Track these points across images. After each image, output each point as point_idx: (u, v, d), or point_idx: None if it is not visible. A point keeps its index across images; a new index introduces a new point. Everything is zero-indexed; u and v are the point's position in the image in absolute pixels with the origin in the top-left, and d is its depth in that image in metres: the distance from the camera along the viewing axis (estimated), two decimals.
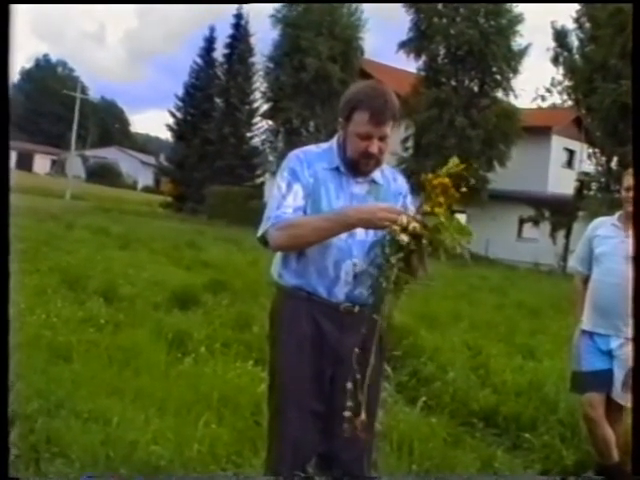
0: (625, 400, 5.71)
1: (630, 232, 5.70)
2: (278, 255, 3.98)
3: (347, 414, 3.55)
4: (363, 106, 3.73)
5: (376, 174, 3.94)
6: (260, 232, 3.83)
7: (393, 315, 3.76)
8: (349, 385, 3.57)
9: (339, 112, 3.90)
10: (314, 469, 3.86)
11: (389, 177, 4.04)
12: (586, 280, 6.26)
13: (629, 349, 5.54)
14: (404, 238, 3.39)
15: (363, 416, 3.51)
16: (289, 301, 3.90)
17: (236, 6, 63.16)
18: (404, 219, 3.41)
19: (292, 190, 3.81)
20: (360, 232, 3.73)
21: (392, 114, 3.76)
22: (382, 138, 3.76)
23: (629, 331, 5.50)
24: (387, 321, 3.59)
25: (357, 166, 3.84)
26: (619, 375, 5.84)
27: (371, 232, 3.72)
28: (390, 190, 4.00)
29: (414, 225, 3.40)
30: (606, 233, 6.12)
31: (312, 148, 4.04)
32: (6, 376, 3.28)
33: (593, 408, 5.95)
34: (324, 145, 4.03)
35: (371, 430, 3.89)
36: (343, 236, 3.73)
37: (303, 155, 3.94)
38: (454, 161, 3.58)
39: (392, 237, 3.45)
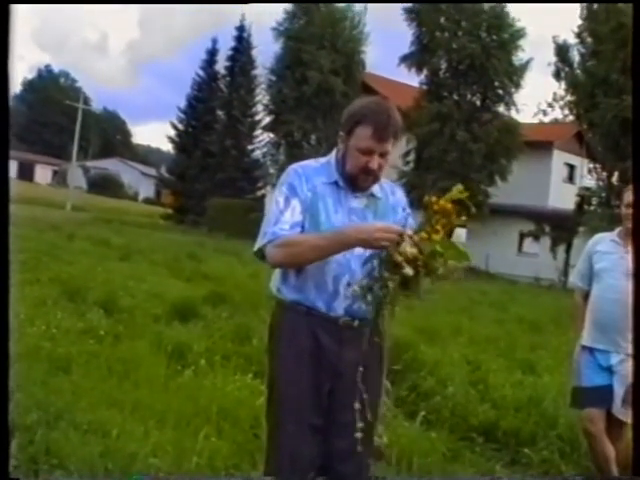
0: (625, 416, 5.71)
1: (630, 248, 5.71)
2: (277, 270, 3.98)
3: (358, 435, 3.54)
4: (367, 121, 3.73)
5: (375, 188, 3.93)
6: (257, 247, 3.84)
7: (390, 329, 3.76)
8: (357, 405, 3.57)
9: (341, 126, 3.89)
10: None
11: (387, 191, 4.03)
12: (586, 296, 6.27)
13: (629, 365, 5.54)
14: (403, 266, 3.39)
15: (385, 439, 3.51)
16: (288, 315, 3.88)
17: (238, 18, 63.43)
18: (402, 244, 3.41)
19: (290, 205, 3.81)
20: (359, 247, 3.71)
21: (394, 131, 3.76)
22: (383, 154, 3.76)
23: (629, 347, 5.51)
24: (385, 335, 3.58)
25: (356, 181, 3.84)
26: (619, 391, 5.84)
27: None
28: (389, 204, 4.00)
29: (412, 252, 3.39)
30: (606, 249, 6.13)
31: (311, 162, 4.04)
32: (6, 381, 3.27)
33: (593, 423, 5.95)
34: (322, 159, 4.03)
35: (370, 444, 3.88)
36: None
37: (301, 170, 3.94)
38: (458, 188, 3.58)
39: (389, 255, 3.44)
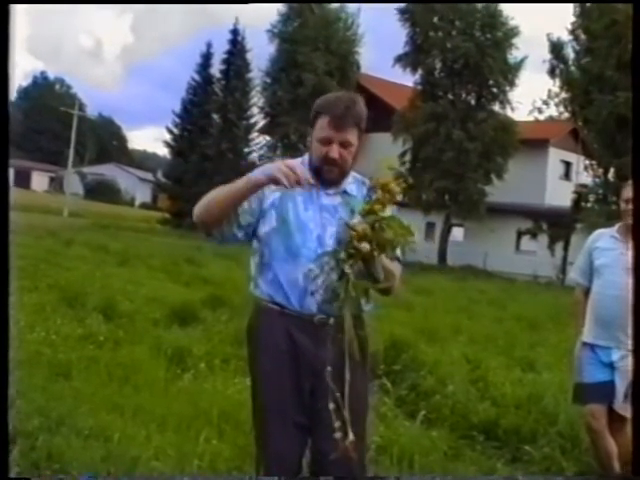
0: (627, 411, 5.71)
1: (630, 244, 5.71)
2: (253, 267, 3.98)
3: (337, 435, 3.52)
4: (324, 111, 3.76)
5: (349, 186, 3.92)
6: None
7: (364, 326, 3.78)
8: (331, 405, 3.55)
9: (308, 122, 3.92)
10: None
11: (363, 189, 4.00)
12: (586, 292, 6.27)
13: (630, 361, 5.55)
14: (357, 243, 3.39)
15: (351, 437, 3.48)
16: (263, 316, 3.88)
17: (232, 21, 63.39)
18: (358, 227, 3.42)
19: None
20: (329, 242, 3.70)
21: (355, 120, 3.76)
22: (344, 144, 3.75)
23: (630, 343, 5.51)
24: (355, 332, 3.55)
25: (321, 173, 3.82)
26: (621, 387, 5.85)
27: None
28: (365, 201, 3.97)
29: (363, 227, 3.40)
30: (606, 245, 6.13)
31: None
32: (6, 374, 3.27)
33: (595, 419, 5.96)
34: (298, 160, 3.99)
35: (362, 444, 3.87)
36: (312, 246, 3.73)
37: None
38: (385, 159, 3.60)
39: (346, 244, 3.44)
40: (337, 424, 3.47)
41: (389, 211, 3.52)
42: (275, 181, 3.56)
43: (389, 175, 3.52)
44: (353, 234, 3.39)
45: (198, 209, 3.85)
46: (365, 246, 3.38)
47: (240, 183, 3.68)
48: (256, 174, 3.63)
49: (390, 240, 3.44)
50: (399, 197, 3.55)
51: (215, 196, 3.78)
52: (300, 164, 3.66)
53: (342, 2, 53.13)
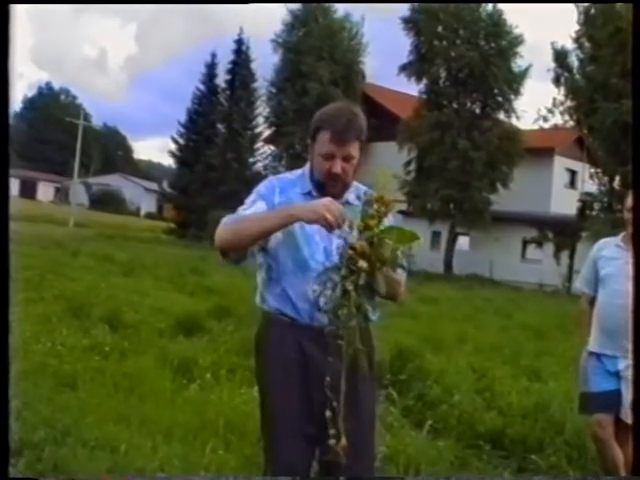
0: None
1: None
2: (259, 281, 3.97)
3: (331, 442, 3.51)
4: (325, 126, 3.73)
5: (350, 196, 3.91)
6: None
7: (370, 337, 3.83)
8: (328, 413, 3.54)
9: (308, 135, 3.91)
10: None
11: (364, 198, 4.00)
12: (592, 301, 6.26)
13: None
14: (357, 259, 3.40)
15: (344, 441, 3.48)
16: (273, 327, 3.86)
17: (236, 31, 63.41)
18: (356, 244, 3.42)
19: (255, 205, 3.82)
20: (335, 254, 3.64)
21: (356, 134, 3.75)
22: (346, 158, 3.75)
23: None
24: (360, 344, 3.54)
25: (324, 188, 3.81)
26: (627, 396, 5.83)
27: None
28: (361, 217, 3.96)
29: (361, 244, 3.40)
30: (611, 254, 6.12)
31: (287, 175, 4.06)
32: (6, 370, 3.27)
33: (602, 428, 5.95)
34: (298, 171, 4.02)
35: (369, 454, 3.87)
36: (320, 258, 3.73)
37: (277, 181, 3.96)
38: (381, 172, 3.59)
39: (347, 261, 3.44)
40: (332, 432, 3.48)
41: (387, 222, 3.53)
42: (312, 217, 3.53)
43: (387, 187, 3.52)
44: (352, 253, 3.39)
45: (224, 237, 3.74)
46: (364, 264, 3.38)
47: (276, 218, 3.64)
48: (299, 212, 3.57)
49: (389, 256, 3.43)
50: (394, 207, 3.55)
51: (247, 227, 3.69)
52: (342, 208, 3.58)
53: (346, 2, 53.20)
